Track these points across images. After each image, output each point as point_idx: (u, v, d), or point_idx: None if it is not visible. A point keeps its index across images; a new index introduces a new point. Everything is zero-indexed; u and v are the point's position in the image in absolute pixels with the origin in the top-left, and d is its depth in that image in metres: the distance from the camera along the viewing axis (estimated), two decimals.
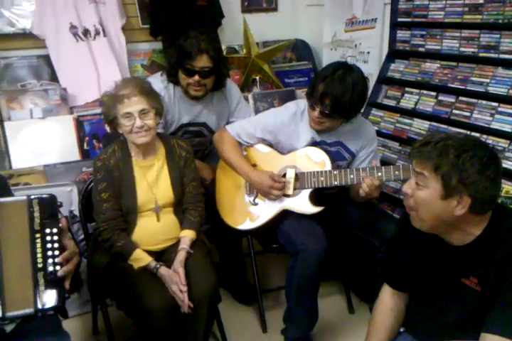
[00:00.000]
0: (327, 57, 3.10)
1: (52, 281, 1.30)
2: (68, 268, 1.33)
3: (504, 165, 1.93)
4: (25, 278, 1.29)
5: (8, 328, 1.33)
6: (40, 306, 1.27)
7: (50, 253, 1.31)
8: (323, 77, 1.79)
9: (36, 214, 1.32)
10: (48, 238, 1.32)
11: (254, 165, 2.06)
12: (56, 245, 1.32)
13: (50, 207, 1.34)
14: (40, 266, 1.30)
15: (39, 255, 1.30)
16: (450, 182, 1.13)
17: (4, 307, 1.26)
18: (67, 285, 1.32)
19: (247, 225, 2.04)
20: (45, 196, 1.35)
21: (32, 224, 1.31)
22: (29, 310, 1.27)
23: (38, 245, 1.31)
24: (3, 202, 1.32)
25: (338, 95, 1.76)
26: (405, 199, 1.25)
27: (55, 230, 1.33)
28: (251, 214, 2.04)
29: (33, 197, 1.34)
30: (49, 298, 1.28)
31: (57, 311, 1.33)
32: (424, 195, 1.18)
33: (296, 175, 1.96)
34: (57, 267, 1.31)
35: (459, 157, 1.12)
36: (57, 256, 1.31)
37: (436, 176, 1.15)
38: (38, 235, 1.31)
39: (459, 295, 1.24)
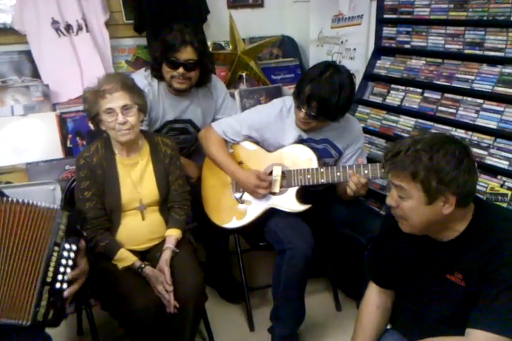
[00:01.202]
0: (314, 54, 3.09)
1: (56, 299, 1.27)
2: (74, 289, 1.31)
3: (489, 162, 1.95)
4: (30, 288, 1.26)
5: None
6: (36, 321, 1.25)
7: (62, 269, 1.29)
8: (310, 79, 1.77)
9: (62, 227, 1.30)
10: (65, 254, 1.30)
11: (240, 163, 2.04)
12: (70, 263, 1.30)
13: (76, 222, 1.32)
14: (49, 280, 1.27)
15: (51, 268, 1.28)
16: (431, 186, 1.14)
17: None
18: (67, 305, 1.31)
19: (233, 223, 2.03)
20: (75, 211, 1.34)
21: (55, 236, 1.29)
22: (24, 323, 1.25)
23: (54, 258, 1.28)
24: (37, 206, 1.30)
25: (324, 98, 1.74)
26: (392, 210, 1.25)
27: (74, 247, 1.31)
28: (237, 212, 2.03)
29: (65, 209, 1.32)
30: (48, 316, 1.26)
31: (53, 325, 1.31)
32: (410, 204, 1.19)
33: (283, 172, 1.95)
34: (64, 285, 1.29)
35: (431, 159, 1.13)
36: (67, 274, 1.29)
37: (415, 184, 1.15)
38: (56, 248, 1.29)
39: (444, 291, 1.24)
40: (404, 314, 1.39)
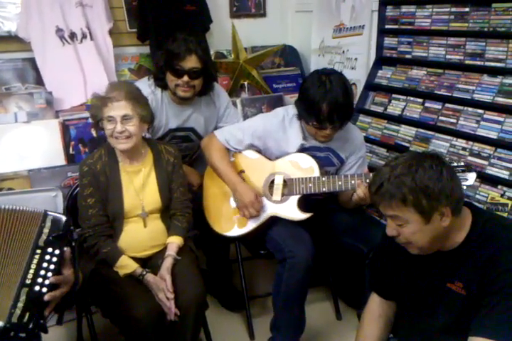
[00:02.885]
0: (315, 63, 3.12)
1: (33, 302, 1.25)
2: (55, 294, 1.28)
3: (489, 172, 1.96)
4: (8, 288, 1.25)
5: None
6: (11, 322, 1.22)
7: (42, 272, 1.27)
8: (321, 98, 1.77)
9: (45, 231, 1.30)
10: (47, 257, 1.29)
11: (241, 172, 2.05)
12: (52, 267, 1.29)
13: (61, 228, 1.31)
14: (28, 282, 1.26)
15: (31, 271, 1.27)
16: (423, 206, 1.16)
17: None
18: (46, 312, 1.28)
19: (234, 232, 2.03)
20: (61, 217, 1.33)
21: (37, 239, 1.29)
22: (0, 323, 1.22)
23: (35, 261, 1.27)
24: (21, 210, 1.30)
25: (343, 104, 1.77)
26: (395, 239, 1.26)
27: (57, 252, 1.30)
28: (238, 220, 2.03)
29: (49, 213, 1.32)
30: (23, 319, 1.24)
31: (28, 332, 1.27)
32: (410, 229, 1.20)
33: (285, 181, 1.95)
34: (44, 289, 1.27)
35: (414, 179, 1.15)
36: (48, 278, 1.27)
37: (408, 208, 1.17)
38: (38, 251, 1.28)
39: (446, 299, 1.25)
40: (406, 323, 1.38)
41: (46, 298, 1.26)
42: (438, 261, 1.26)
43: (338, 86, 1.78)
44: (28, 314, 1.24)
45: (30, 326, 1.25)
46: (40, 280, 1.26)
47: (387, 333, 1.44)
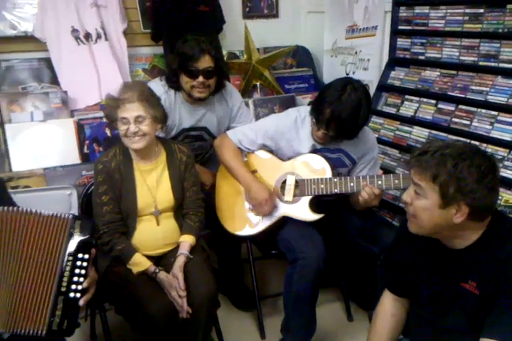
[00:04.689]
0: (327, 64, 3.12)
1: (70, 309, 1.28)
2: (88, 298, 1.32)
3: (503, 174, 1.94)
4: (45, 298, 1.27)
5: (6, 335, 1.32)
6: (51, 331, 1.26)
7: (75, 279, 1.29)
8: (329, 101, 1.75)
9: (75, 236, 1.31)
10: (78, 263, 1.30)
11: (254, 172, 2.06)
12: (83, 272, 1.30)
13: (88, 231, 1.32)
14: (63, 289, 1.28)
15: (65, 278, 1.28)
16: (448, 192, 1.14)
17: (13, 323, 1.25)
18: (79, 314, 1.31)
19: (246, 231, 2.04)
20: (88, 220, 1.35)
21: (67, 245, 1.30)
22: (40, 332, 1.26)
23: (68, 268, 1.29)
24: (49, 216, 1.30)
25: (345, 121, 1.75)
26: (405, 207, 1.27)
27: (86, 256, 1.31)
28: (250, 220, 2.04)
29: (77, 217, 1.33)
30: (62, 325, 1.27)
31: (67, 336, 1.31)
32: (423, 204, 1.19)
33: (297, 181, 1.96)
34: (78, 294, 1.29)
35: (456, 166, 1.13)
36: (81, 283, 1.30)
37: (434, 186, 1.16)
38: (70, 258, 1.30)
39: (459, 299, 1.24)
40: (418, 322, 1.38)
41: (81, 303, 1.30)
42: (451, 260, 1.26)
43: (352, 102, 1.74)
44: (66, 321, 1.28)
45: (69, 330, 1.29)
46: (74, 286, 1.29)
47: (399, 331, 1.43)
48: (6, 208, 1.30)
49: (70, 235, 1.30)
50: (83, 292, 1.31)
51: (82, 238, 1.31)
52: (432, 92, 2.32)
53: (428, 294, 1.32)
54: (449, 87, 2.25)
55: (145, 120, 1.72)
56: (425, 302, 1.33)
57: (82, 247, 1.31)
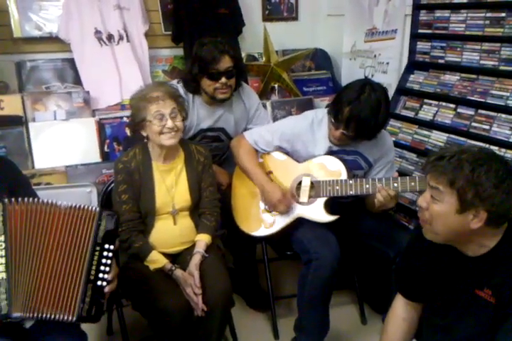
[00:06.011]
0: (346, 67, 3.12)
1: (98, 296, 1.35)
2: (112, 287, 1.39)
3: None
4: (75, 285, 1.34)
5: (28, 324, 1.37)
6: (81, 316, 1.33)
7: (102, 268, 1.37)
8: (348, 101, 1.77)
9: (102, 228, 1.38)
10: (105, 253, 1.37)
11: (269, 173, 2.07)
12: (109, 262, 1.38)
13: (113, 223, 1.39)
14: (92, 278, 1.35)
15: (93, 267, 1.36)
16: (466, 197, 1.13)
17: (44, 308, 1.31)
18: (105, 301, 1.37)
19: (261, 232, 2.06)
20: (113, 213, 1.41)
21: (96, 236, 1.37)
22: (70, 318, 1.33)
23: (96, 257, 1.36)
24: (78, 208, 1.37)
25: (364, 120, 1.76)
26: (420, 212, 1.25)
27: (112, 247, 1.38)
28: (266, 220, 2.06)
29: (104, 210, 1.40)
30: (91, 312, 1.34)
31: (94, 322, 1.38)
32: (440, 209, 1.18)
33: (312, 183, 1.97)
34: (104, 283, 1.37)
35: (473, 171, 1.12)
36: (107, 272, 1.37)
37: (451, 191, 1.15)
38: (98, 248, 1.36)
39: (473, 306, 1.23)
40: (431, 329, 1.37)
41: (106, 290, 1.37)
42: (466, 266, 1.25)
43: (371, 102, 1.75)
44: (94, 307, 1.35)
45: (97, 317, 1.36)
46: (101, 275, 1.36)
47: (411, 336, 1.43)
48: (36, 199, 1.37)
49: (98, 226, 1.37)
50: (108, 282, 1.38)
51: (108, 229, 1.37)
52: (452, 96, 2.31)
53: (441, 300, 1.31)
54: (469, 91, 2.24)
55: (177, 116, 1.76)
56: (438, 308, 1.33)
57: (108, 238, 1.37)
